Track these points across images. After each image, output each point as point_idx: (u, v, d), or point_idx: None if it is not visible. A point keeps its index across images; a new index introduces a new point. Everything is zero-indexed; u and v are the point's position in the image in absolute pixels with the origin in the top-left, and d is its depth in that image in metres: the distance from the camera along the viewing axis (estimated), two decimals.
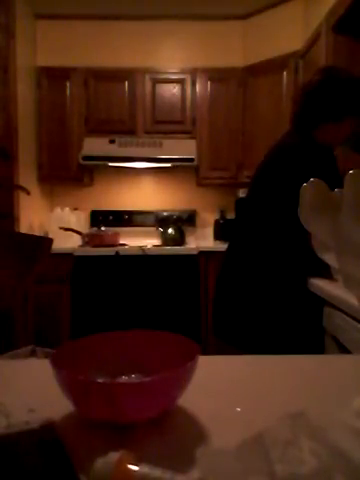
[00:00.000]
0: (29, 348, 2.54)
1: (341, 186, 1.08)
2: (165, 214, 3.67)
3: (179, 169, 3.61)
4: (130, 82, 3.41)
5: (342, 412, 0.43)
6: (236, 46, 3.51)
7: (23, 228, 3.11)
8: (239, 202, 3.44)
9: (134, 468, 0.36)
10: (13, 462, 0.36)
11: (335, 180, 1.55)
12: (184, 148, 3.35)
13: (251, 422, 0.46)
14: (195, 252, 3.09)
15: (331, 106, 1.52)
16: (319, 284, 1.50)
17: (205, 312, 3.08)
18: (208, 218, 3.75)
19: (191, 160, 3.30)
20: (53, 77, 3.42)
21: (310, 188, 0.46)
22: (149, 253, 3.07)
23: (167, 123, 3.43)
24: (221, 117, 3.45)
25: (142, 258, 3.06)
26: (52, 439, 0.38)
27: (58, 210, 3.45)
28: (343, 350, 1.30)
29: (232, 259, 1.63)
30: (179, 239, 3.38)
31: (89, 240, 3.22)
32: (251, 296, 1.52)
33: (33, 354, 2.48)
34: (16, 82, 3.03)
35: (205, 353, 0.65)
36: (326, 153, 1.48)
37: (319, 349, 1.51)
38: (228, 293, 1.60)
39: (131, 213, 3.68)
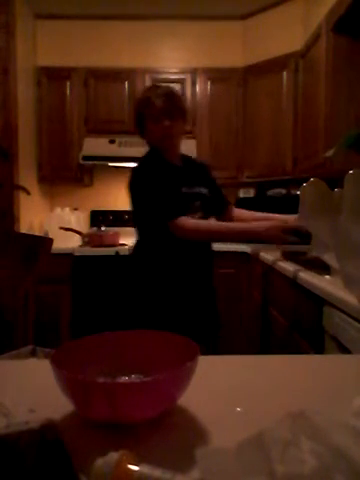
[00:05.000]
0: (29, 348, 2.53)
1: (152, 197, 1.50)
2: None
3: None
4: (130, 82, 3.41)
5: (342, 412, 0.43)
6: (236, 46, 3.50)
7: (23, 228, 3.10)
8: (239, 202, 3.44)
9: (134, 468, 0.36)
10: (13, 462, 0.36)
11: (146, 190, 1.67)
12: (184, 148, 3.34)
13: (251, 422, 0.46)
14: None
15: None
16: (319, 284, 1.50)
17: None
18: None
19: None
20: (53, 77, 3.42)
21: (310, 188, 0.46)
22: None
23: None
24: (221, 117, 3.45)
25: None
26: (52, 439, 0.38)
27: (58, 210, 3.44)
28: (343, 350, 1.30)
29: None
30: None
31: (89, 240, 3.22)
32: None
33: (33, 354, 2.48)
34: (16, 82, 3.03)
35: (205, 353, 0.65)
36: (148, 164, 1.69)
37: (318, 349, 1.51)
38: None
39: (131, 213, 3.67)
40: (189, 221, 1.62)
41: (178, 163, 1.74)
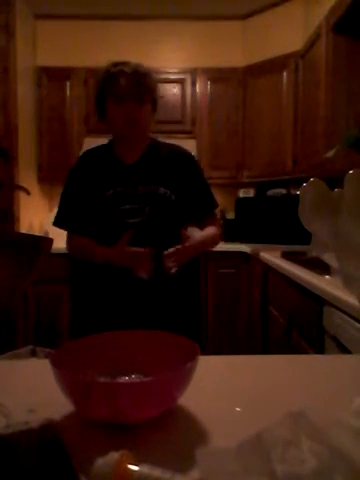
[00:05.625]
0: (29, 348, 2.54)
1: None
2: None
3: None
4: None
5: (342, 412, 0.43)
6: (236, 46, 3.50)
7: (23, 228, 3.10)
8: (239, 202, 3.44)
9: (134, 468, 0.36)
10: (13, 462, 0.36)
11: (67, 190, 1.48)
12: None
13: (251, 422, 0.46)
14: None
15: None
16: (319, 284, 1.50)
17: (205, 312, 3.07)
18: None
19: None
20: (53, 77, 3.42)
21: (310, 188, 0.46)
22: None
23: (167, 123, 3.43)
24: (221, 117, 3.45)
25: None
26: (52, 439, 0.38)
27: None
28: (343, 350, 1.30)
29: None
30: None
31: None
32: None
33: (33, 354, 2.48)
34: (16, 82, 3.03)
35: (205, 353, 0.65)
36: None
37: (318, 349, 1.51)
38: None
39: None
40: (69, 238, 1.52)
41: (134, 157, 1.43)
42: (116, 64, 1.40)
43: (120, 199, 1.37)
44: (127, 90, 1.35)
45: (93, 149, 1.52)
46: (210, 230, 1.46)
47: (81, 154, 1.52)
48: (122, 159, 1.44)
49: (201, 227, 1.43)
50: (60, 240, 3.30)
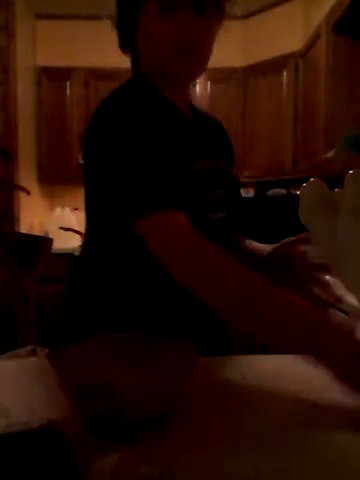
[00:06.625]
0: (29, 348, 2.53)
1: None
2: None
3: None
4: None
5: (342, 412, 0.43)
6: (236, 46, 3.50)
7: (23, 228, 3.10)
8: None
9: (134, 468, 0.36)
10: (13, 462, 0.36)
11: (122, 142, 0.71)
12: None
13: (251, 422, 0.46)
14: None
15: None
16: None
17: None
18: None
19: None
20: (53, 77, 3.42)
21: (310, 188, 0.46)
22: None
23: None
24: (221, 117, 3.41)
25: None
26: (52, 439, 0.38)
27: (58, 210, 3.44)
28: None
29: None
30: None
31: None
32: None
33: (33, 354, 2.48)
34: (16, 82, 3.03)
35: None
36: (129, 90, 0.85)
37: None
38: None
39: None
40: (184, 225, 0.68)
41: (187, 113, 0.90)
42: None
43: (210, 178, 0.83)
44: None
45: (130, 85, 0.90)
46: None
47: (120, 88, 0.86)
48: (180, 111, 0.86)
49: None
50: (60, 240, 3.28)
